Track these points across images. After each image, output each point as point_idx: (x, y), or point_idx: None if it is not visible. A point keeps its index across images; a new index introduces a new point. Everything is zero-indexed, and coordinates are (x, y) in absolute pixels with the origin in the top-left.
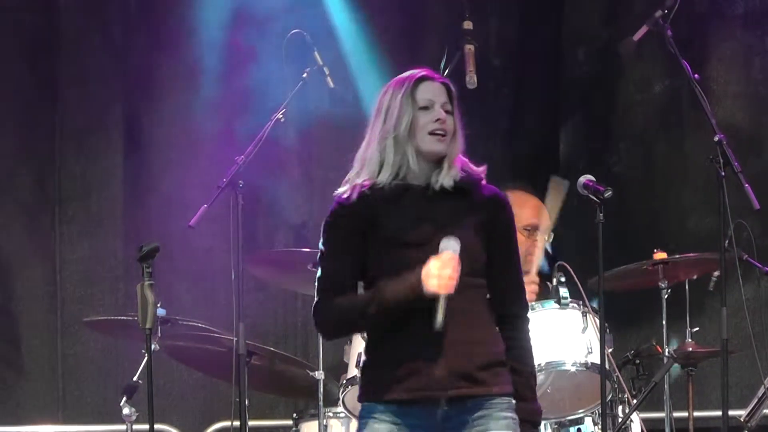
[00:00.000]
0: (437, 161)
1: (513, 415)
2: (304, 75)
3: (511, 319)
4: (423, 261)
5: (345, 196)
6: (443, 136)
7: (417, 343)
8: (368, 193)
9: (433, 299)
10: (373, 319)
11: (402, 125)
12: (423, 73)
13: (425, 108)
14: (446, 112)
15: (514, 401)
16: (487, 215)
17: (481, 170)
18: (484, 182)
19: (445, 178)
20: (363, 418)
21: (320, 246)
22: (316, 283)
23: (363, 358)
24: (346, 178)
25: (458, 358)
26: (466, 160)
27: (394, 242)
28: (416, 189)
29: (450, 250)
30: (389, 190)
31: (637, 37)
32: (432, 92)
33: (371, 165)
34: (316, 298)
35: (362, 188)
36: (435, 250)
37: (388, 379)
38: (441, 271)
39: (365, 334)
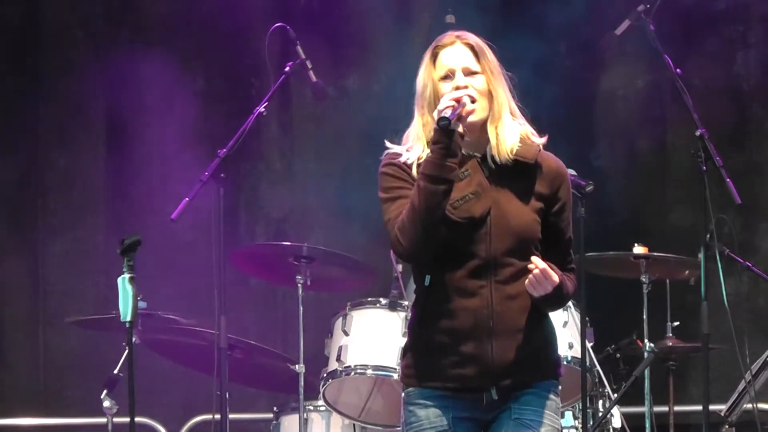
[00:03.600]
0: (482, 128)
1: (556, 398)
2: (287, 69)
3: None
4: (477, 240)
5: (402, 159)
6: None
7: (464, 329)
8: None
9: (450, 130)
10: (425, 193)
11: (428, 100)
12: (442, 40)
13: (446, 77)
14: (472, 73)
15: (559, 385)
16: (547, 191)
17: (541, 140)
18: (541, 151)
19: (500, 153)
20: (409, 404)
21: (380, 195)
22: (386, 227)
23: (406, 339)
24: (396, 149)
25: (505, 348)
26: (522, 122)
27: (447, 219)
28: (474, 164)
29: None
30: None
31: (619, 31)
32: (451, 58)
33: (418, 141)
34: (391, 234)
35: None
36: (492, 228)
37: (435, 365)
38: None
39: (408, 313)
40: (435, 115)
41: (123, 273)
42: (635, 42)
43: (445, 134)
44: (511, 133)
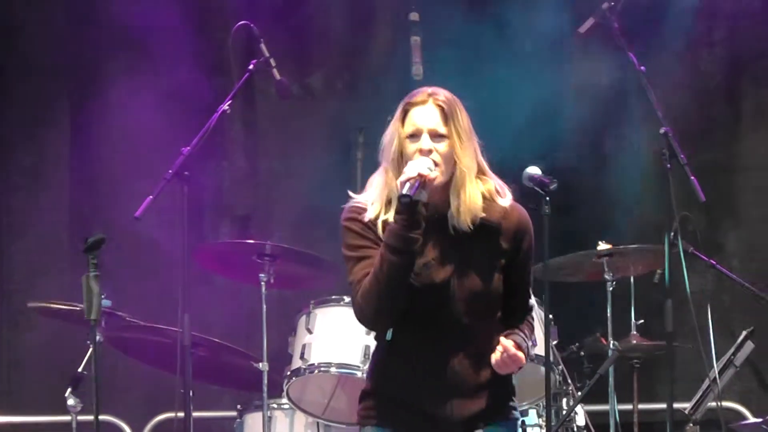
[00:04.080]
0: (443, 190)
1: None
2: (251, 66)
3: (513, 328)
4: (439, 304)
5: (365, 216)
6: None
7: (424, 387)
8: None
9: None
10: (389, 265)
11: (393, 155)
12: (415, 97)
13: (413, 136)
14: (439, 136)
15: (517, 424)
16: (510, 246)
17: (506, 199)
18: (508, 207)
19: (459, 221)
20: None
21: (344, 251)
22: (351, 289)
23: (367, 384)
24: (359, 201)
25: (465, 406)
26: (490, 177)
27: (409, 286)
28: (436, 226)
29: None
30: None
31: (583, 29)
32: (420, 118)
33: (380, 196)
34: (354, 299)
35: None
36: (454, 293)
37: (394, 416)
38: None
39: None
40: (398, 185)
41: (87, 271)
42: (600, 40)
43: (407, 207)
44: (474, 199)
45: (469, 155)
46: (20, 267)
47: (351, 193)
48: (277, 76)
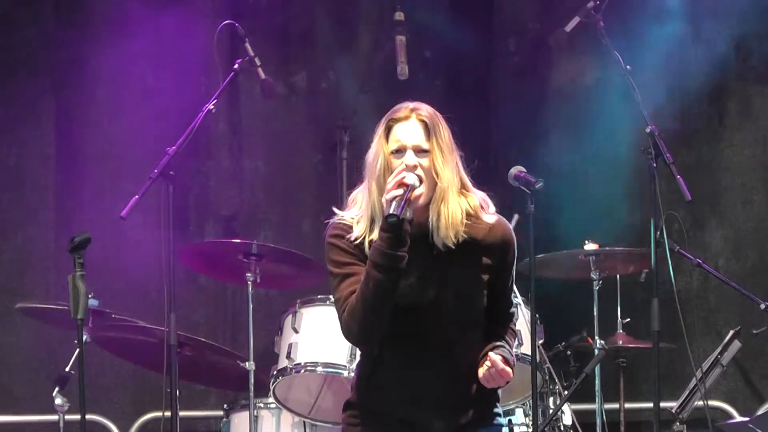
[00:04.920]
0: (426, 206)
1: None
2: (236, 66)
3: (497, 337)
4: (426, 321)
5: (351, 235)
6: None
7: (413, 399)
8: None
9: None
10: (375, 283)
11: (378, 172)
12: (397, 113)
13: (398, 152)
14: (422, 151)
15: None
16: (494, 262)
17: (490, 217)
18: (493, 222)
19: (443, 236)
20: None
21: (330, 267)
22: (336, 306)
23: (352, 395)
24: (345, 218)
25: (455, 417)
26: (474, 193)
27: (395, 306)
28: (419, 243)
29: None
30: None
31: (569, 28)
32: (403, 134)
33: (365, 214)
34: (341, 317)
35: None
36: (440, 312)
37: (380, 422)
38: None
39: (355, 366)
40: (384, 203)
41: (73, 270)
42: (585, 39)
43: (393, 226)
44: (455, 215)
45: (450, 169)
46: (6, 266)
47: (336, 210)
48: (262, 76)
